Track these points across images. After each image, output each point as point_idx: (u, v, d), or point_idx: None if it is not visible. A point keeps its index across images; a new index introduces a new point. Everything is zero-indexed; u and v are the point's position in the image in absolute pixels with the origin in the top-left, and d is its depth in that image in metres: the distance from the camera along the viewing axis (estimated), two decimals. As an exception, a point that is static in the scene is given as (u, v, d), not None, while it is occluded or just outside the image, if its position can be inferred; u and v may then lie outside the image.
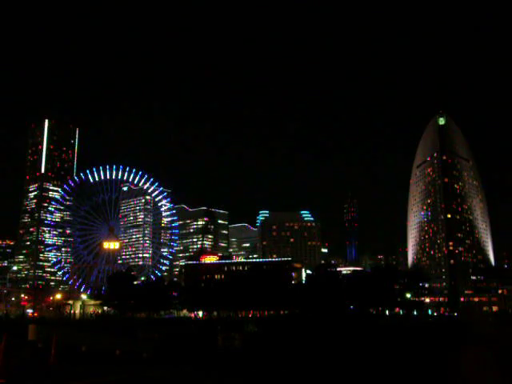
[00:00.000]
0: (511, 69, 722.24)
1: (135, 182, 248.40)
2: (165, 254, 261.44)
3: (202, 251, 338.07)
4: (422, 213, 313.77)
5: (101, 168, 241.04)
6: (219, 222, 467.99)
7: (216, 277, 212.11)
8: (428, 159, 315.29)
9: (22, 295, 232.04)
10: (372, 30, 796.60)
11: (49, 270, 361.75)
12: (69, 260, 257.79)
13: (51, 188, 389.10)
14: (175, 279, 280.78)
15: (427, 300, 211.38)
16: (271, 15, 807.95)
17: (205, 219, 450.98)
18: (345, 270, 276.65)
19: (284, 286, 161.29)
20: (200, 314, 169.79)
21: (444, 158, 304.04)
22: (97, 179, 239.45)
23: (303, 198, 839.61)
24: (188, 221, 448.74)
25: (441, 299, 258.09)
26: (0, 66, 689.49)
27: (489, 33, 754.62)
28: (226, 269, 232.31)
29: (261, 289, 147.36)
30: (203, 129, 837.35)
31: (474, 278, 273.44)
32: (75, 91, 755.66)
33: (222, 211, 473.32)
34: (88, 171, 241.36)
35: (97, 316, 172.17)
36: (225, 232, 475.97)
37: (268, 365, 52.16)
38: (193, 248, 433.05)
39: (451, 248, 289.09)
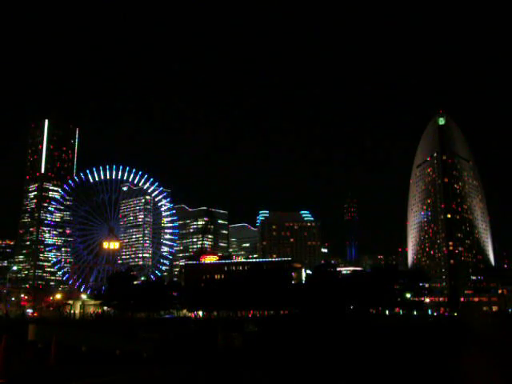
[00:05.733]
0: (511, 69, 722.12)
1: (135, 182, 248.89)
2: (165, 253, 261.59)
3: (202, 251, 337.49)
4: (422, 213, 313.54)
5: (101, 168, 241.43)
6: (219, 221, 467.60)
7: (216, 277, 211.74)
8: (428, 159, 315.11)
9: (22, 295, 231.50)
10: (372, 30, 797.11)
11: (49, 269, 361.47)
12: (69, 260, 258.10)
13: (51, 188, 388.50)
14: (175, 279, 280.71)
15: (427, 300, 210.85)
16: (272, 17, 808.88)
17: (205, 219, 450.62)
18: (345, 269, 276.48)
19: (284, 285, 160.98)
20: (200, 313, 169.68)
21: (444, 158, 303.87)
22: (97, 179, 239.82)
23: (303, 197, 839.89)
24: (188, 221, 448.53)
25: (441, 299, 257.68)
26: (0, 65, 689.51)
27: (489, 33, 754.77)
28: (225, 269, 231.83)
29: (261, 289, 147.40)
30: (203, 129, 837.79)
31: (474, 278, 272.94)
32: (75, 91, 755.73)
33: (222, 211, 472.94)
34: (88, 171, 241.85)
35: (97, 316, 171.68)
36: (225, 232, 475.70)
37: (267, 364, 52.14)
38: (193, 248, 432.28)
39: (451, 248, 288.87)
